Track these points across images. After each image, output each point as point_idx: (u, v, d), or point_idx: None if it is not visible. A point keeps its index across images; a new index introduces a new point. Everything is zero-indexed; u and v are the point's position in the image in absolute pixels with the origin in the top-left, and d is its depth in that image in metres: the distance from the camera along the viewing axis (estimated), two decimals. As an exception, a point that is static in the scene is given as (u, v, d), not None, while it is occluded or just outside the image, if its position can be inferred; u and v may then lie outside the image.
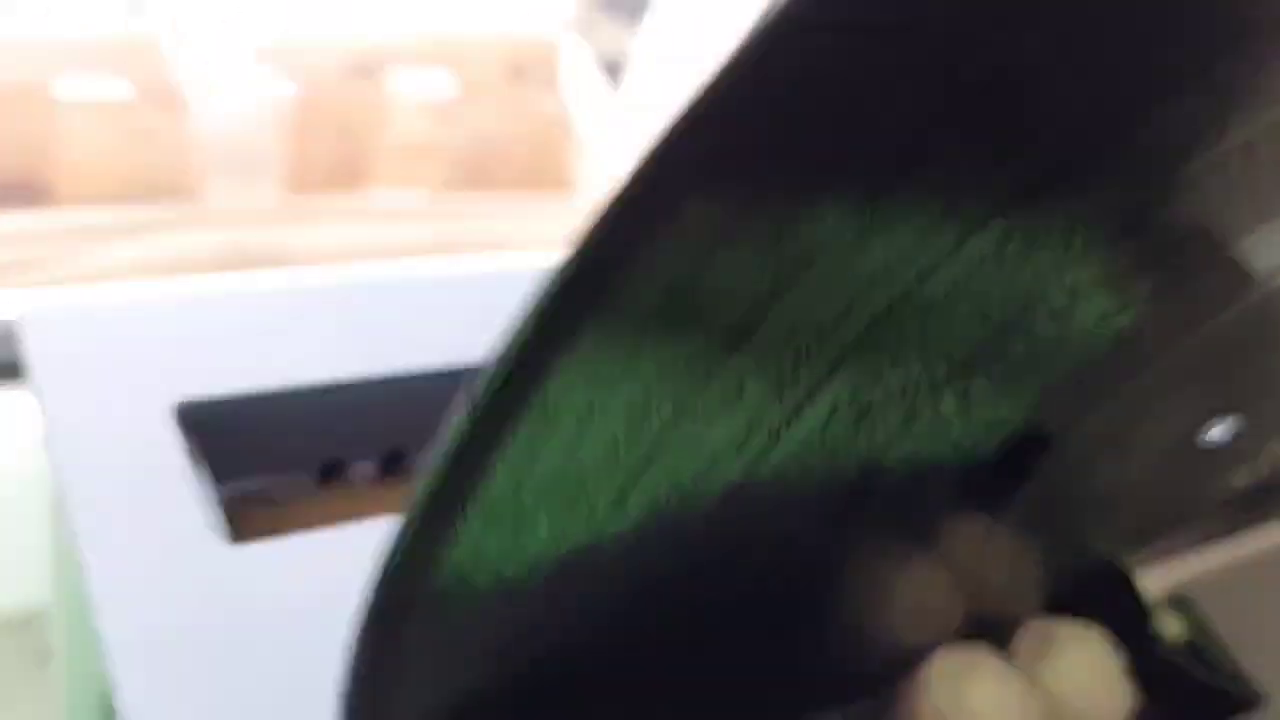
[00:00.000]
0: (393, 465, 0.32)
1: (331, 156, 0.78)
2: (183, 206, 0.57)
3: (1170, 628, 0.37)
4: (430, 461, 0.15)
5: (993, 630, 0.37)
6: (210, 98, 0.59)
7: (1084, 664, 0.34)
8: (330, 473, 0.31)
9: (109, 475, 0.25)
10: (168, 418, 0.26)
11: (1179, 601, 0.37)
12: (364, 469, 0.32)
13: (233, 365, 0.28)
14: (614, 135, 0.80)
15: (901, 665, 0.34)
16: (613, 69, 0.90)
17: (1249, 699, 0.34)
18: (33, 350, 0.26)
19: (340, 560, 0.25)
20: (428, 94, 0.80)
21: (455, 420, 0.14)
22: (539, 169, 0.86)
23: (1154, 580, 0.37)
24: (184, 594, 0.24)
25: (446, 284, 0.33)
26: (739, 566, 0.24)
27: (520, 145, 0.86)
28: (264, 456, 0.30)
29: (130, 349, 0.27)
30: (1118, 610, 0.36)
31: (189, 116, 0.65)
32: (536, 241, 0.67)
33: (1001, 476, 0.31)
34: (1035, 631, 0.36)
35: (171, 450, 0.26)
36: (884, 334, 0.20)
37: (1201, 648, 0.36)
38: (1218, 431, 0.33)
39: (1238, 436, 0.34)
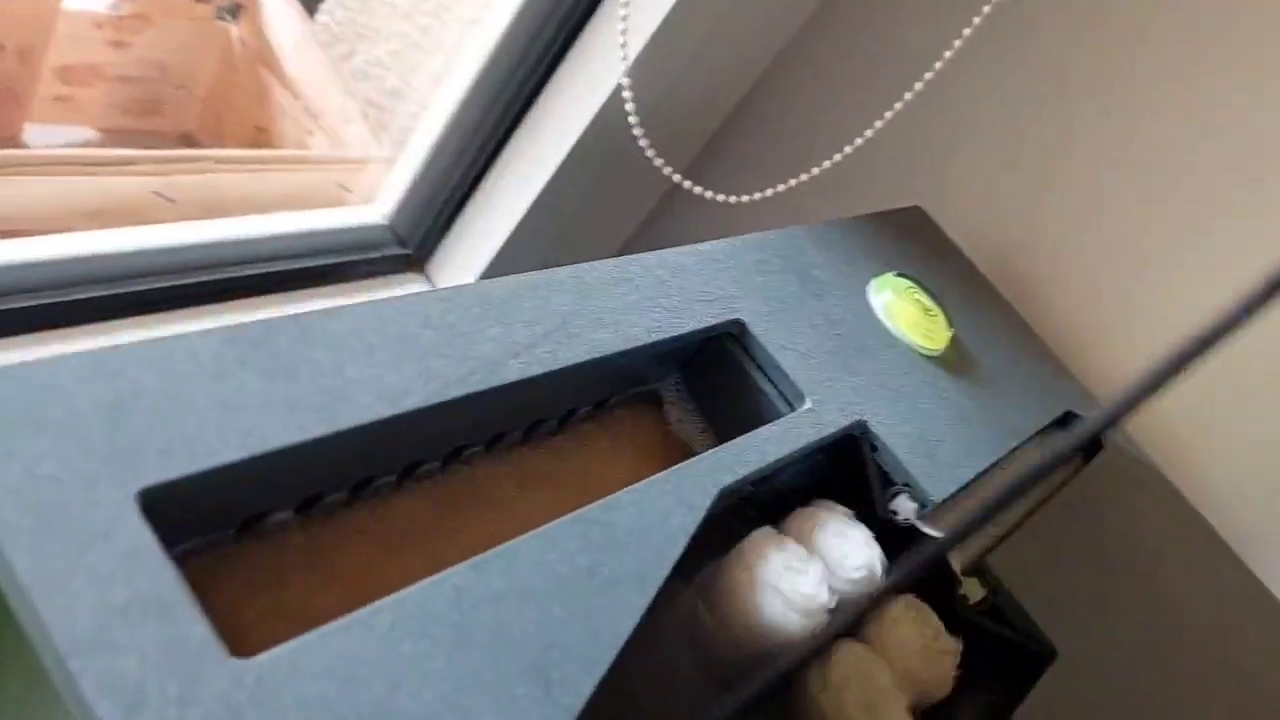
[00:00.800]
0: (307, 508, 0.29)
1: (-15, 79, 0.66)
2: None
3: (973, 592, 0.43)
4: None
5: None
6: None
7: (920, 634, 0.38)
8: (248, 525, 0.28)
9: (86, 583, 0.21)
10: (132, 506, 0.22)
11: (979, 569, 0.43)
12: (282, 516, 0.29)
13: (166, 434, 0.24)
14: (312, 67, 0.74)
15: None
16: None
17: (1045, 653, 0.40)
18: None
19: (344, 664, 0.23)
20: (101, 12, 0.69)
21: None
22: (230, 102, 0.77)
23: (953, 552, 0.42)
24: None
25: (339, 322, 0.30)
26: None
27: (207, 74, 0.77)
28: (196, 520, 0.26)
29: (62, 421, 0.22)
30: (931, 580, 0.41)
31: None
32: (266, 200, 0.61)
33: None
34: (878, 612, 0.40)
35: (148, 547, 0.22)
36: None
37: (1001, 609, 0.42)
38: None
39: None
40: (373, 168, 0.67)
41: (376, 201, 0.65)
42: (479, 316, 0.32)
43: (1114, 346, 0.61)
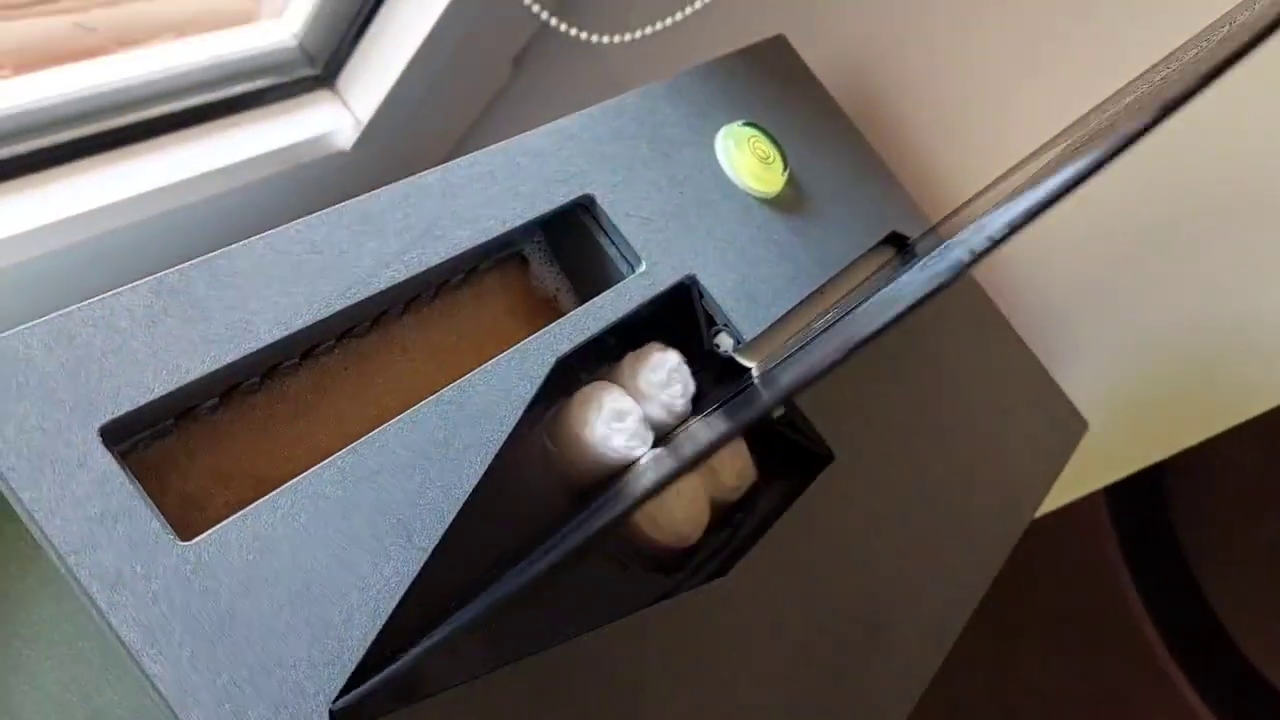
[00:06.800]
0: (227, 394, 0.38)
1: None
2: None
3: (777, 411, 0.53)
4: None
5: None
6: None
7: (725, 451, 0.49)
8: (183, 414, 0.37)
9: (72, 503, 0.30)
10: (96, 440, 0.31)
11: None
12: (210, 403, 0.38)
13: (114, 381, 0.33)
14: None
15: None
16: None
17: (824, 455, 0.52)
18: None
19: (257, 538, 0.33)
20: None
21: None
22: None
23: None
24: (165, 589, 0.31)
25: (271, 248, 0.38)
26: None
27: None
28: (143, 426, 0.35)
29: (38, 385, 0.31)
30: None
31: None
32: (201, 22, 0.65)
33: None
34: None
35: (111, 470, 0.31)
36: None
37: (793, 421, 0.53)
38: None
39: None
40: (281, -22, 0.70)
41: (285, 15, 0.69)
42: (359, 233, 0.40)
43: (957, 169, 0.69)
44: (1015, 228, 0.23)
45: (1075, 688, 0.83)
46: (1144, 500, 0.88)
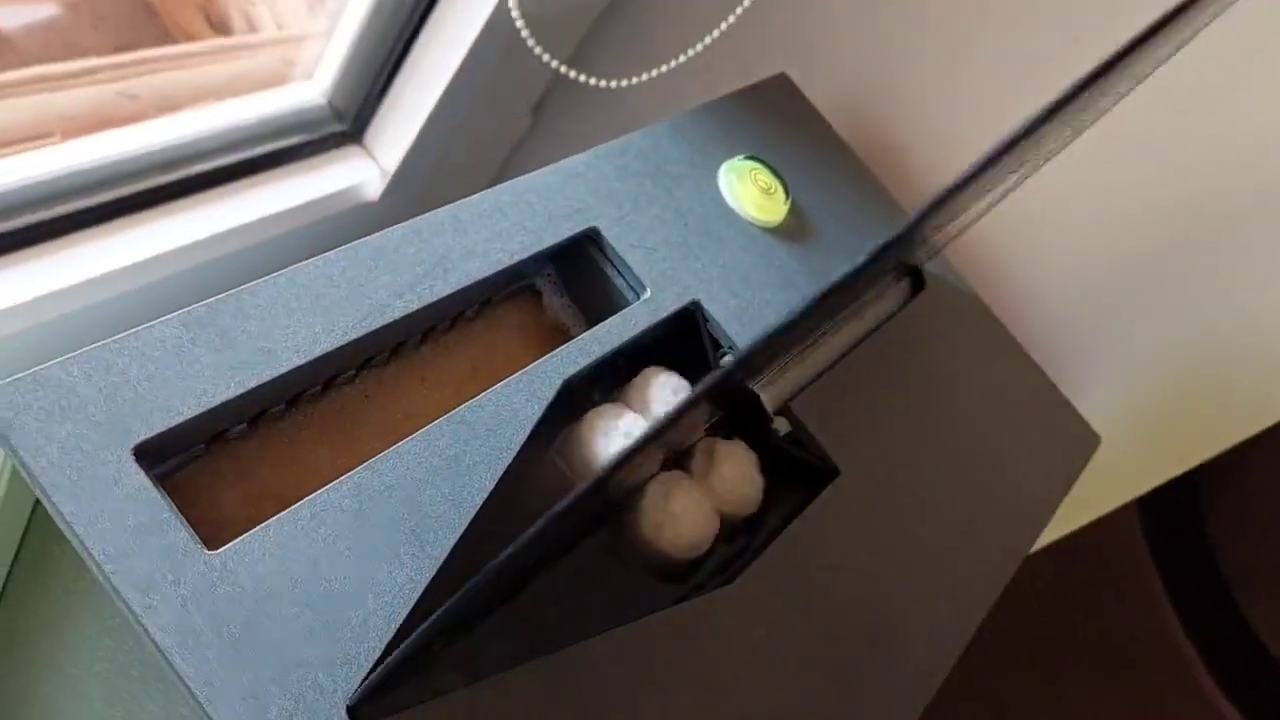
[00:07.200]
0: (256, 420, 0.41)
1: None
2: None
3: (780, 427, 0.55)
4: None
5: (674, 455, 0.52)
6: None
7: (735, 467, 0.51)
8: (214, 438, 0.40)
9: (109, 516, 0.33)
10: (130, 459, 0.34)
11: (783, 409, 0.55)
12: (239, 429, 0.40)
13: (147, 405, 0.35)
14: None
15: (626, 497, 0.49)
16: None
17: (830, 471, 0.53)
18: (10, 425, 0.33)
19: (280, 548, 0.36)
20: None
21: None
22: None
23: (767, 395, 0.54)
24: (194, 594, 0.33)
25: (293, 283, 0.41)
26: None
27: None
28: (175, 449, 0.38)
29: (78, 408, 0.34)
30: (748, 419, 0.53)
31: None
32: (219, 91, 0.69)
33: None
34: (702, 450, 0.52)
35: (143, 485, 0.34)
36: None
37: (799, 439, 0.54)
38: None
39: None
40: (311, 41, 0.75)
41: (315, 77, 0.73)
42: (374, 267, 0.43)
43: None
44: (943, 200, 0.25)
45: (1110, 706, 0.83)
46: (1178, 516, 0.88)
